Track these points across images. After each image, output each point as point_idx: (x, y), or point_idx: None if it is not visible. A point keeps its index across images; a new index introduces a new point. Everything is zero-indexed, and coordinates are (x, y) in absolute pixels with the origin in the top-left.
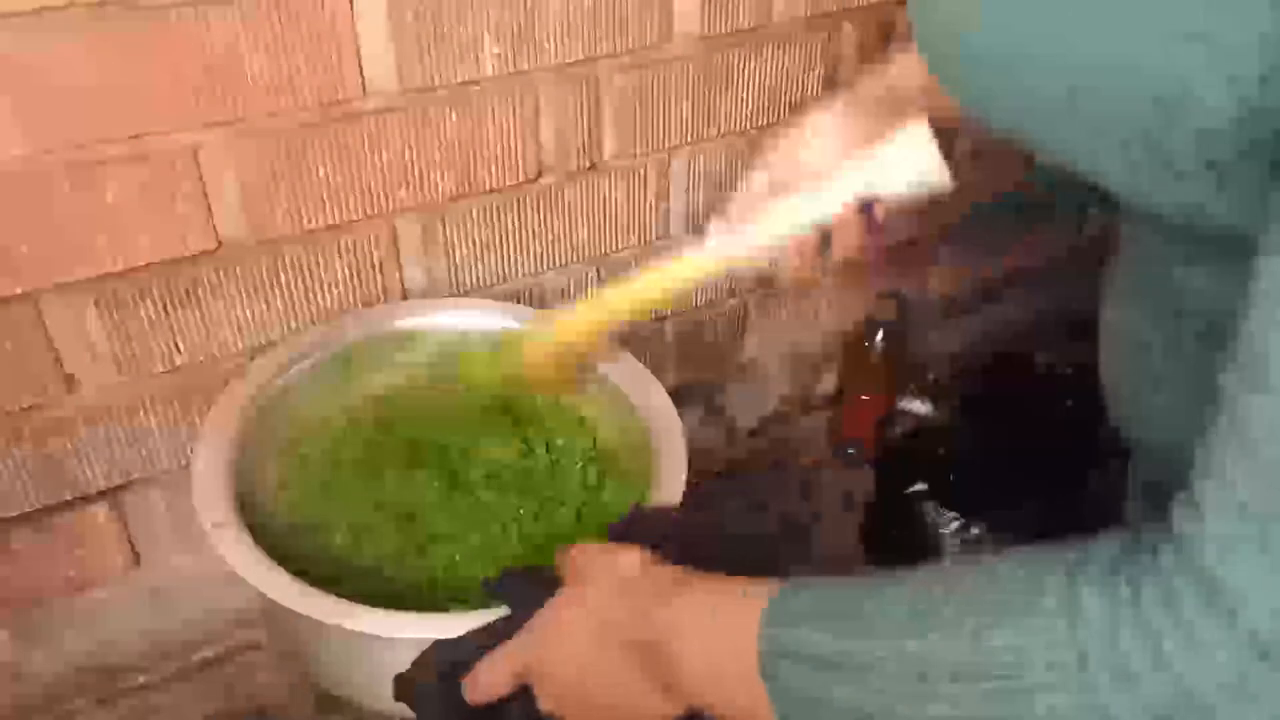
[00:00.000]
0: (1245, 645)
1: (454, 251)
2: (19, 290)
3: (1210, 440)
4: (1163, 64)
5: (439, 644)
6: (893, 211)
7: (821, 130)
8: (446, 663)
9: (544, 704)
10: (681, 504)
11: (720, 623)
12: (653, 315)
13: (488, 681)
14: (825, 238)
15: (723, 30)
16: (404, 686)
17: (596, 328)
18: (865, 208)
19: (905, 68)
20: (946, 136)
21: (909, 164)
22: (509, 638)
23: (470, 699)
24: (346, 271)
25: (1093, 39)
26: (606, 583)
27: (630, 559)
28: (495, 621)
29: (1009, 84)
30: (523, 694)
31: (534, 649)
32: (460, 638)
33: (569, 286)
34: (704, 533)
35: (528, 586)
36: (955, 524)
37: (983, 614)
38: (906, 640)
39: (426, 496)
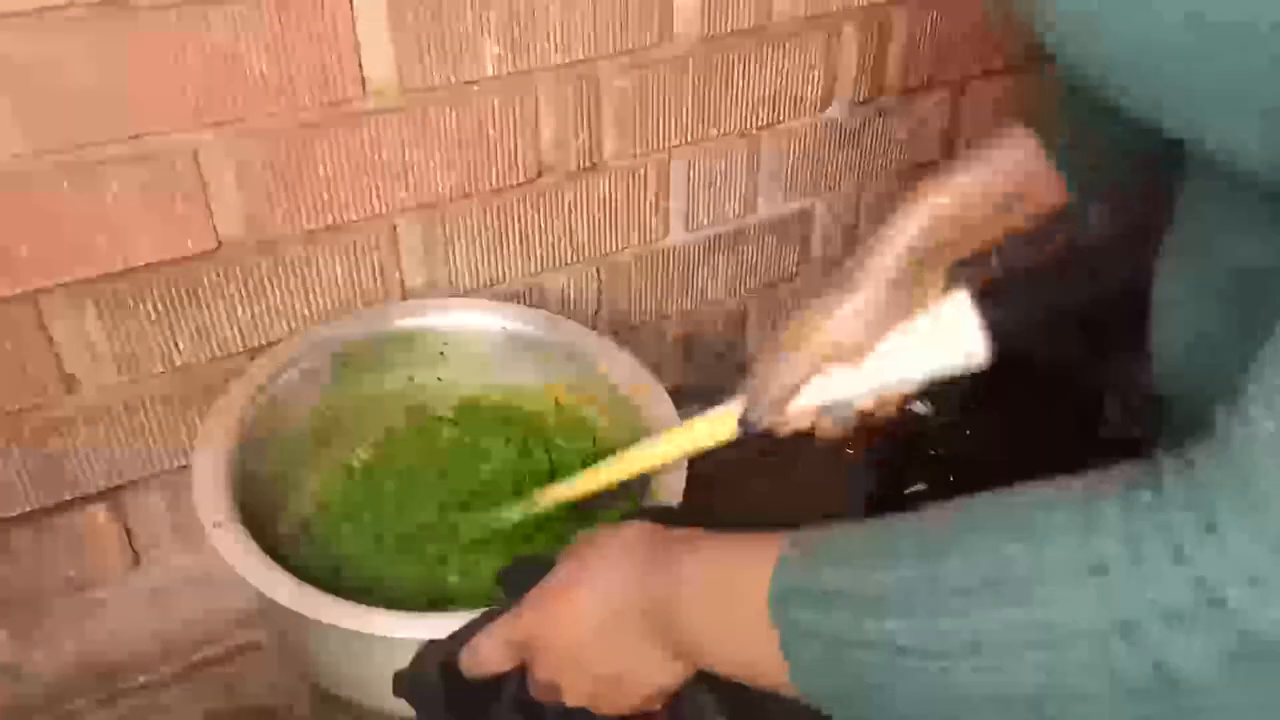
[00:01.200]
0: (1269, 542)
1: (454, 251)
2: (19, 290)
3: (1265, 351)
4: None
5: (435, 641)
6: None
7: (853, 304)
8: (444, 652)
9: (541, 674)
10: (680, 505)
11: (728, 572)
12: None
13: (485, 654)
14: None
15: (723, 30)
16: (402, 682)
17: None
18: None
19: (919, 224)
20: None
21: (952, 341)
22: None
23: (467, 671)
24: (346, 271)
25: None
26: (608, 550)
27: (633, 527)
28: (492, 609)
29: (1120, 30)
30: (517, 675)
31: (532, 617)
32: (458, 630)
33: (569, 286)
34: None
35: (531, 573)
36: None
37: (996, 533)
38: (919, 565)
39: (426, 497)
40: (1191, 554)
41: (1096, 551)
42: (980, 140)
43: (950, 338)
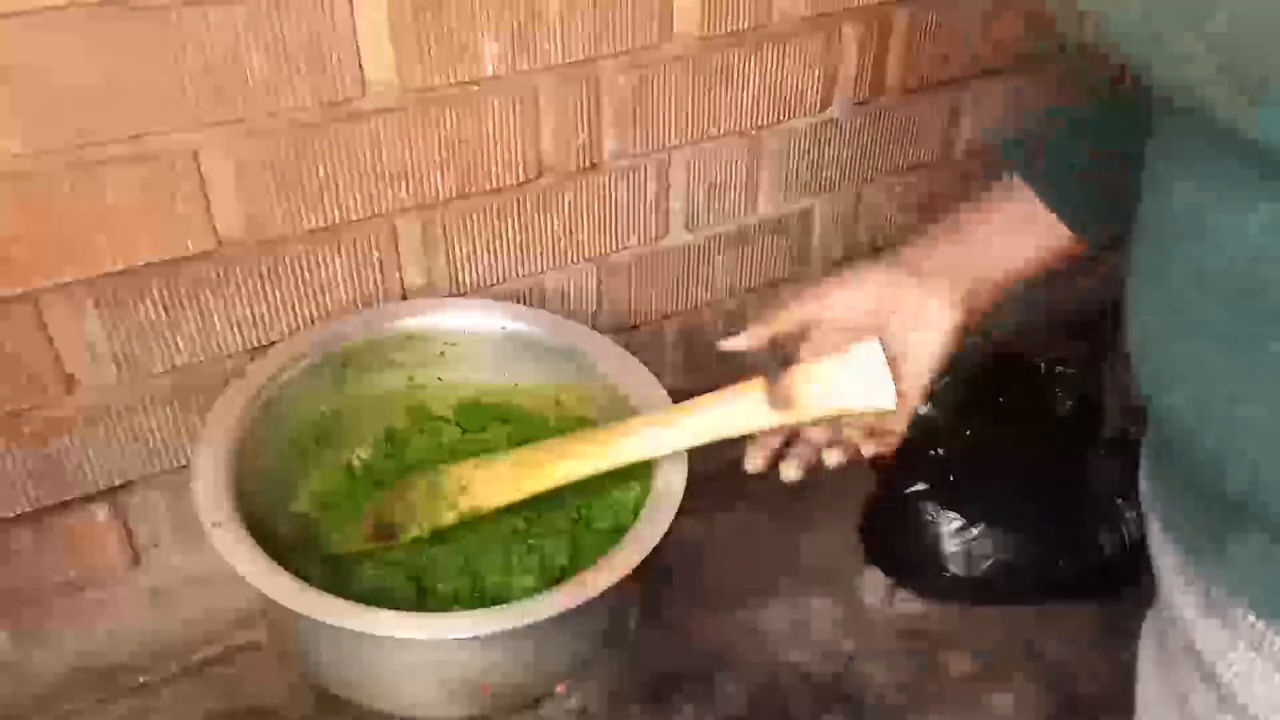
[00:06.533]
0: None
1: (454, 251)
2: (19, 290)
3: None
4: None
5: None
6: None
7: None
8: None
9: None
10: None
11: None
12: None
13: None
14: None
15: (723, 30)
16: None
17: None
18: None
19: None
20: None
21: (861, 381)
22: None
23: None
24: (346, 271)
25: None
26: None
27: None
28: None
29: None
30: None
31: None
32: None
33: (569, 286)
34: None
35: None
36: (955, 524)
37: None
38: None
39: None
40: None
41: None
42: (983, 196)
43: (860, 376)
